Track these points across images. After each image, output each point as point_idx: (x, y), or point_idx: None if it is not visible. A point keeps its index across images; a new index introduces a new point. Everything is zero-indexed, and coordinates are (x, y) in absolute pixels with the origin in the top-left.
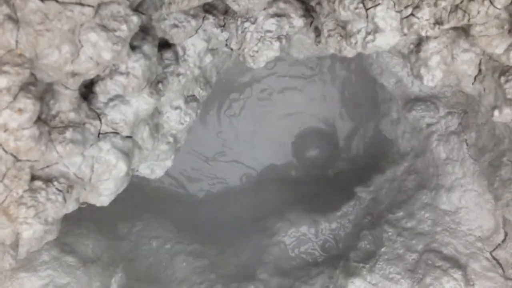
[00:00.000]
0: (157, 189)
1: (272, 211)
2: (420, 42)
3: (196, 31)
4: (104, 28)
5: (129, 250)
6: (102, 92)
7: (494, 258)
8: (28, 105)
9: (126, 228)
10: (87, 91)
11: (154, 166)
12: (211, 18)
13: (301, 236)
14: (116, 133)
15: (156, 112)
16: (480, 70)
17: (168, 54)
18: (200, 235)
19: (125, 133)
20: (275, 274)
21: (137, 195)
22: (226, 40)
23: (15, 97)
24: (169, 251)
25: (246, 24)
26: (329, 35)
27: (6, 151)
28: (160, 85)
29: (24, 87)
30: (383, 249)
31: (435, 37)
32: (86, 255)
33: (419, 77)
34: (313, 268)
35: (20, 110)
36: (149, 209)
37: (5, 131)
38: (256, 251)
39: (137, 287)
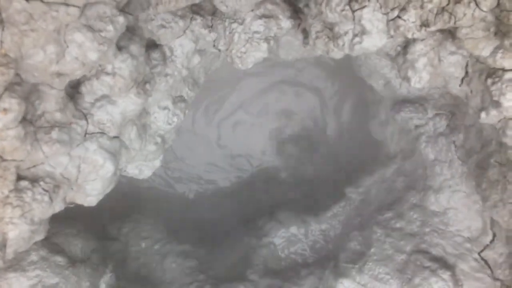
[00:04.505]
0: (147, 190)
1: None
2: (407, 44)
3: (184, 32)
4: (90, 28)
5: (118, 250)
6: (89, 92)
7: (482, 258)
8: (13, 105)
9: (116, 228)
10: (74, 91)
11: (142, 166)
12: (198, 19)
13: (291, 237)
14: (103, 133)
15: (144, 112)
16: (467, 72)
17: (155, 55)
18: (190, 236)
19: (112, 133)
20: (264, 275)
21: (126, 196)
22: (214, 41)
23: (0, 97)
24: (159, 251)
25: (234, 25)
26: (317, 37)
27: None
28: (147, 86)
29: (9, 87)
30: (372, 250)
31: (422, 39)
32: (75, 255)
33: (406, 79)
34: (302, 268)
35: (5, 110)
36: (138, 209)
37: None
38: (246, 252)
39: (126, 287)
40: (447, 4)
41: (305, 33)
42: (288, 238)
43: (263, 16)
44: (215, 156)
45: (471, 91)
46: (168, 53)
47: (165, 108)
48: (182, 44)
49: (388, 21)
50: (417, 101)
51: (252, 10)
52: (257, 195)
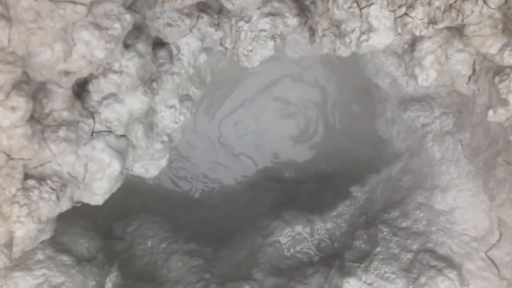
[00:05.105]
0: (153, 188)
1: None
2: (414, 42)
3: (190, 30)
4: (97, 26)
5: (124, 249)
6: (96, 90)
7: (489, 258)
8: (21, 103)
9: (122, 227)
10: (81, 89)
11: (149, 165)
12: (205, 17)
13: (296, 236)
14: (110, 131)
15: (151, 111)
16: (474, 70)
17: (162, 53)
18: (195, 235)
19: (119, 132)
20: (270, 274)
21: (133, 194)
22: (221, 39)
23: (7, 95)
24: (165, 250)
25: (241, 23)
26: (324, 35)
27: None
28: (154, 84)
29: (17, 85)
30: (378, 249)
31: (429, 37)
32: (81, 254)
33: (413, 76)
34: (308, 267)
35: (13, 108)
36: (144, 208)
37: None
38: (252, 251)
39: (132, 286)
40: (455, 1)
41: (312, 31)
42: (294, 237)
43: (269, 14)
44: (218, 155)
45: (479, 89)
46: (174, 51)
47: (172, 106)
48: (189, 43)
49: (395, 18)
50: (424, 100)
51: (259, 8)
52: (262, 193)
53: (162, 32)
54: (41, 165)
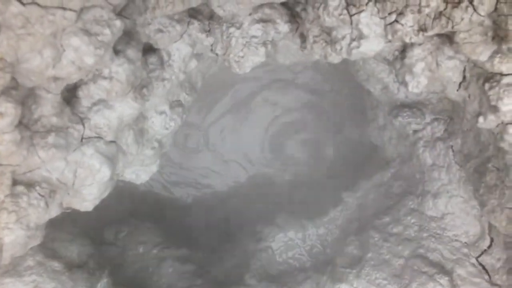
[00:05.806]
0: (145, 194)
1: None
2: (404, 49)
3: (181, 36)
4: (87, 32)
5: (115, 255)
6: (85, 96)
7: (480, 263)
8: (9, 109)
9: (113, 233)
10: (70, 95)
11: (139, 171)
12: (196, 23)
13: (288, 242)
14: (100, 137)
15: (141, 117)
16: (464, 77)
17: (152, 59)
18: (187, 240)
19: (109, 138)
20: (262, 279)
21: (124, 200)
22: (211, 45)
23: None
24: (156, 256)
25: (232, 30)
26: (315, 41)
27: None
28: (144, 90)
29: (5, 91)
30: (369, 255)
31: (420, 44)
32: (71, 260)
33: (404, 83)
34: (300, 273)
35: (1, 114)
36: (136, 214)
37: None
38: (244, 256)
39: None
40: (445, 9)
41: (303, 38)
42: (286, 242)
43: (260, 20)
44: (209, 161)
45: (469, 96)
46: (165, 57)
47: (162, 112)
48: (180, 49)
49: (385, 25)
50: (415, 106)
51: (250, 14)
52: (253, 199)
53: (152, 38)
54: (30, 171)
